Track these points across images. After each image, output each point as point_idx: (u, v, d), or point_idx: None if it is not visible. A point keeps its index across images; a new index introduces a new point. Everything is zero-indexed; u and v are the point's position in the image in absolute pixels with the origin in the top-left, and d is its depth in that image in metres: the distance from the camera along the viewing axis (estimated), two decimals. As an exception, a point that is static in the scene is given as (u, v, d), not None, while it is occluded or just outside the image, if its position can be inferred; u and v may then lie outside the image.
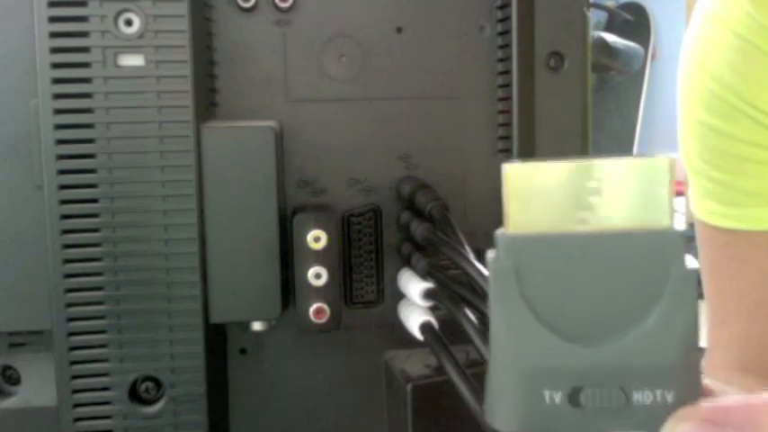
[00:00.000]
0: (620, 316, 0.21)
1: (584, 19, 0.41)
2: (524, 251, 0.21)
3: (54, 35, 0.34)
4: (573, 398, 0.21)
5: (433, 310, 0.37)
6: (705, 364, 0.46)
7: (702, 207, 0.44)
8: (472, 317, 0.32)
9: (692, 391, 0.21)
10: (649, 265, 0.20)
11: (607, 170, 0.21)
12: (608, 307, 0.21)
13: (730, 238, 0.43)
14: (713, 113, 0.42)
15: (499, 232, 0.21)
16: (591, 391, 0.21)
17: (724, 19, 0.42)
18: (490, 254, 0.21)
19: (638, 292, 0.21)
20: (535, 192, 0.21)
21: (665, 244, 0.20)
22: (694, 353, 0.21)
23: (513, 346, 0.21)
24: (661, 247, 0.20)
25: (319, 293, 0.37)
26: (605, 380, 0.21)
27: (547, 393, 0.21)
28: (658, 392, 0.20)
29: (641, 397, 0.20)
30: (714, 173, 0.43)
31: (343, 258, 0.40)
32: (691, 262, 0.21)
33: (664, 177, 0.20)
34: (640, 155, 0.21)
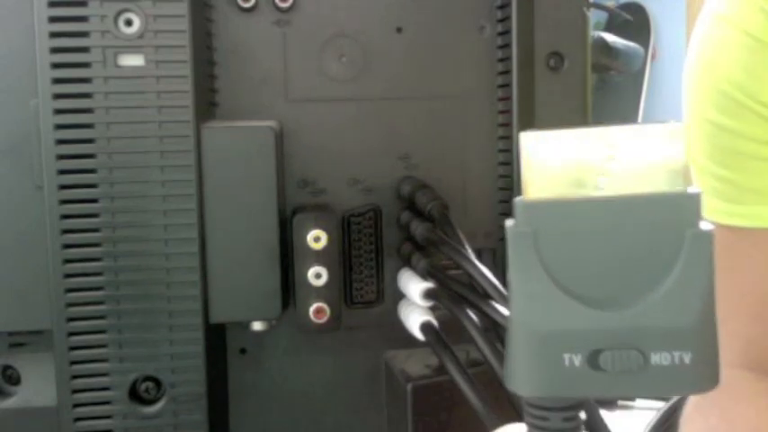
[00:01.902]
0: (638, 279, 0.21)
1: (584, 19, 0.41)
2: (542, 217, 0.21)
3: (54, 35, 0.34)
4: (592, 361, 0.21)
5: (433, 309, 0.37)
6: None
7: (707, 205, 0.44)
8: (473, 316, 0.32)
9: (709, 352, 0.21)
10: (665, 228, 0.21)
11: (622, 136, 0.21)
12: (625, 270, 0.21)
13: (734, 235, 0.44)
14: (723, 112, 0.42)
15: (518, 199, 0.22)
16: (610, 354, 0.21)
17: (735, 19, 0.42)
18: (509, 222, 0.22)
19: (655, 255, 0.21)
20: (552, 159, 0.21)
21: (680, 206, 0.21)
22: (711, 314, 0.21)
23: (531, 311, 0.21)
24: (676, 210, 0.21)
25: (319, 293, 0.37)
26: (624, 342, 0.21)
27: (566, 357, 0.21)
28: (676, 354, 0.21)
29: (659, 359, 0.21)
30: (721, 171, 0.43)
31: (343, 258, 0.40)
32: (706, 225, 0.21)
33: (677, 142, 0.21)
34: (653, 121, 0.21)
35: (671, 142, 0.21)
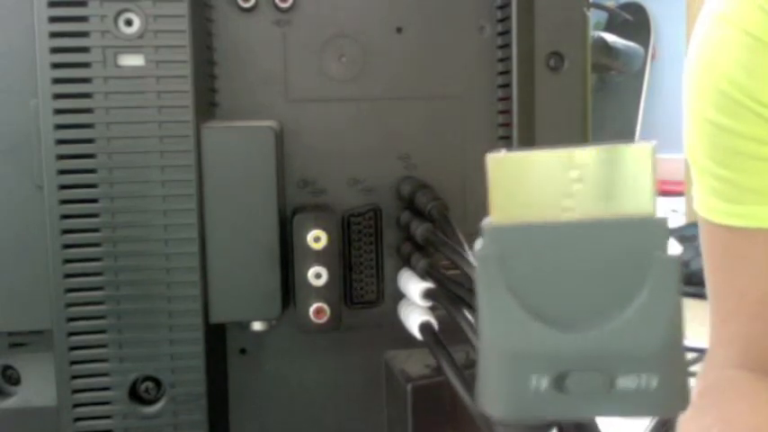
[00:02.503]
0: (605, 302, 0.21)
1: (584, 19, 0.41)
2: (509, 240, 0.21)
3: (54, 35, 0.34)
4: (558, 383, 0.21)
5: (432, 310, 0.37)
6: (707, 361, 0.46)
7: (707, 205, 0.44)
8: (471, 317, 0.32)
9: (676, 375, 0.21)
10: (633, 252, 0.21)
11: (589, 158, 0.21)
12: (592, 293, 0.21)
13: (734, 236, 0.43)
14: (722, 111, 0.42)
15: (485, 222, 0.22)
16: (576, 376, 0.21)
17: (735, 19, 0.42)
18: (477, 243, 0.22)
19: (622, 279, 0.21)
20: (519, 181, 0.21)
21: (648, 231, 0.21)
22: (678, 338, 0.21)
23: (498, 333, 0.21)
24: (644, 234, 0.21)
25: (319, 293, 0.37)
26: (590, 365, 0.21)
27: (533, 378, 0.21)
28: (643, 377, 0.21)
29: (625, 382, 0.21)
30: (720, 170, 0.43)
31: (343, 258, 0.40)
32: (674, 248, 0.21)
33: (645, 164, 0.21)
34: (622, 142, 0.21)
35: (639, 163, 0.21)
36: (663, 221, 0.21)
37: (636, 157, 0.21)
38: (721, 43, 0.42)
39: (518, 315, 0.21)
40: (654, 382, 0.21)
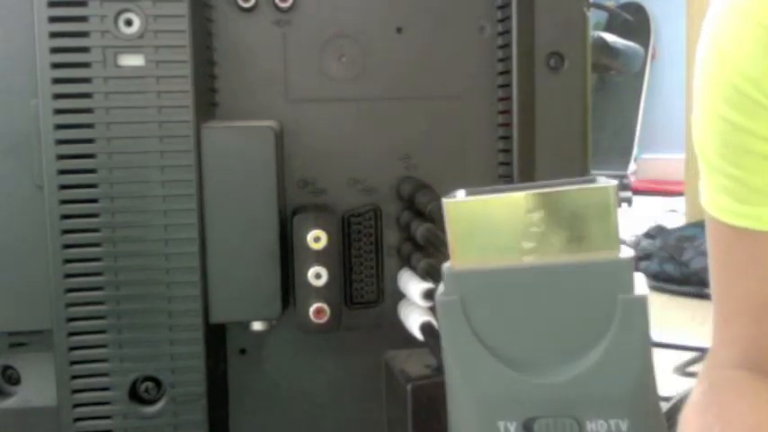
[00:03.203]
0: (572, 346, 0.20)
1: (584, 19, 0.41)
2: (470, 285, 0.21)
3: (54, 35, 0.34)
4: (527, 428, 0.21)
5: (432, 310, 0.37)
6: (708, 360, 0.46)
7: (715, 204, 0.44)
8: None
9: (647, 418, 0.21)
10: (598, 294, 0.20)
11: (549, 200, 0.20)
12: (559, 337, 0.21)
13: (741, 236, 0.43)
14: (736, 108, 0.42)
15: (445, 267, 0.21)
16: (545, 422, 0.20)
17: (750, 11, 0.41)
18: (439, 288, 0.21)
19: (588, 322, 0.20)
20: (477, 225, 0.21)
21: (612, 272, 0.20)
22: (649, 380, 0.20)
23: (465, 379, 0.21)
24: (608, 276, 0.20)
25: (319, 293, 0.37)
26: (558, 410, 0.20)
27: (501, 424, 0.21)
28: (612, 422, 0.20)
29: (595, 427, 0.20)
30: (731, 169, 0.43)
31: (343, 258, 0.40)
32: (640, 288, 0.20)
33: (607, 204, 0.20)
34: (584, 180, 0.21)
35: (600, 204, 0.20)
36: (627, 262, 0.20)
37: (596, 198, 0.20)
38: (736, 37, 0.42)
39: (484, 360, 0.21)
40: (624, 427, 0.20)
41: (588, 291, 0.20)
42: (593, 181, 0.20)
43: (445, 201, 0.21)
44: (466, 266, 0.21)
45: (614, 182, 0.20)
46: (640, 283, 0.21)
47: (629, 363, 0.20)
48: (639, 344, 0.20)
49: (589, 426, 0.20)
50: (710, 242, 0.46)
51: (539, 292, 0.21)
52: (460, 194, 0.21)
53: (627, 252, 0.20)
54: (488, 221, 0.21)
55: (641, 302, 0.20)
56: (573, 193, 0.20)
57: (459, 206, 0.21)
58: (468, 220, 0.21)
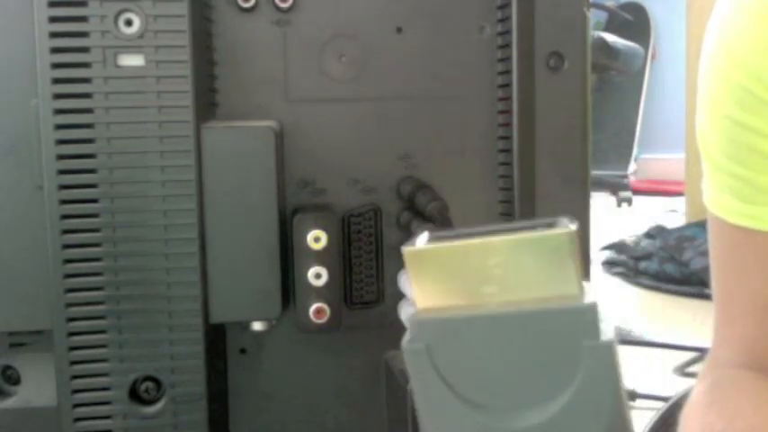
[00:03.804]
0: (539, 390, 0.20)
1: (584, 19, 0.41)
2: (435, 333, 0.21)
3: (54, 35, 0.34)
4: None
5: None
6: (709, 360, 0.46)
7: (719, 203, 0.44)
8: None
9: None
10: (562, 340, 0.20)
11: (506, 247, 0.20)
12: (526, 382, 0.21)
13: (745, 236, 0.43)
14: (743, 108, 0.41)
15: (410, 315, 0.21)
16: None
17: (757, 9, 0.41)
18: (406, 336, 0.21)
19: (555, 367, 0.20)
20: (438, 271, 0.21)
21: (575, 317, 0.20)
22: (621, 423, 0.20)
23: (435, 425, 0.21)
24: (572, 322, 0.20)
25: (319, 293, 0.37)
26: None
27: None
28: None
29: None
30: (736, 168, 0.42)
31: (343, 258, 0.40)
32: (606, 333, 0.20)
33: (566, 249, 0.20)
34: (547, 223, 0.20)
35: (560, 249, 0.20)
36: (591, 307, 0.20)
37: (555, 243, 0.20)
38: (743, 35, 0.41)
39: (452, 406, 0.21)
40: None
41: (552, 337, 0.20)
42: (555, 225, 0.20)
43: (405, 249, 0.21)
44: (430, 314, 0.21)
45: (574, 227, 0.20)
46: (607, 328, 0.20)
47: (599, 406, 0.20)
48: (609, 387, 0.20)
49: None
50: (713, 242, 0.46)
51: (503, 338, 0.21)
52: (422, 240, 0.21)
53: (591, 297, 0.20)
54: (449, 267, 0.21)
55: (607, 348, 0.20)
56: (531, 240, 0.20)
57: (419, 254, 0.21)
58: (429, 267, 0.21)
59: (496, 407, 0.21)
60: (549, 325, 0.20)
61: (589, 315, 0.20)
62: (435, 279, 0.21)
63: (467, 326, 0.21)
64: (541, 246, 0.20)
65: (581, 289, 0.20)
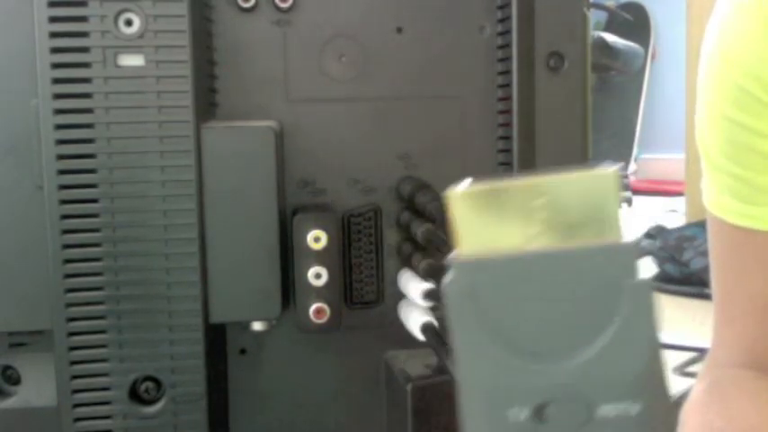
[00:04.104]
0: (579, 331, 0.21)
1: (584, 19, 0.41)
2: (478, 274, 0.21)
3: (54, 35, 0.34)
4: (537, 414, 0.21)
5: (433, 310, 0.37)
6: (708, 360, 0.46)
7: (718, 204, 0.44)
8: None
9: (657, 401, 0.21)
10: (603, 279, 0.20)
11: (552, 187, 0.20)
12: (566, 323, 0.21)
13: (745, 237, 0.43)
14: (741, 108, 0.42)
15: (452, 256, 0.21)
16: (555, 408, 0.21)
17: (755, 10, 0.41)
18: (446, 278, 0.22)
19: (595, 307, 0.20)
20: (483, 214, 0.21)
21: (616, 257, 0.20)
22: (658, 363, 0.21)
23: (474, 369, 0.21)
24: (612, 261, 0.20)
25: (319, 293, 0.37)
26: (568, 395, 0.21)
27: (511, 412, 0.21)
28: (622, 405, 0.20)
29: (605, 410, 0.20)
30: (735, 168, 0.42)
31: (343, 258, 0.40)
32: (645, 272, 0.20)
33: (609, 189, 0.20)
34: (586, 167, 0.21)
35: (603, 189, 0.20)
36: (631, 246, 0.20)
37: (599, 183, 0.20)
38: (742, 37, 0.41)
39: (492, 348, 0.21)
40: (635, 410, 0.20)
41: (593, 276, 0.20)
42: (595, 168, 0.21)
43: (450, 192, 0.21)
44: (472, 256, 0.21)
45: (616, 168, 0.20)
46: (645, 268, 0.21)
47: (638, 346, 0.20)
48: (647, 327, 0.20)
49: (599, 410, 0.21)
50: (713, 242, 0.46)
51: (545, 279, 0.21)
52: (465, 185, 0.21)
53: (630, 237, 0.21)
54: (493, 210, 0.21)
55: (646, 286, 0.20)
56: (575, 181, 0.20)
57: (464, 197, 0.21)
58: (473, 210, 0.21)
59: (536, 348, 0.21)
60: (589, 264, 0.20)
61: (630, 254, 0.20)
62: (479, 222, 0.21)
63: (509, 266, 0.21)
64: (587, 185, 0.20)
65: (620, 230, 0.20)
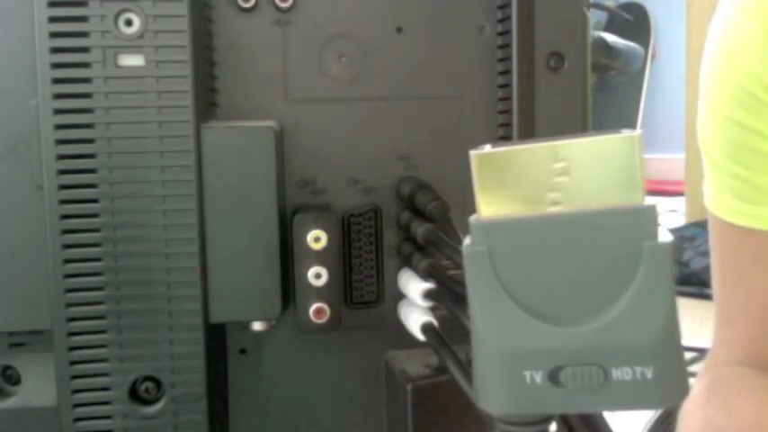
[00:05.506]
0: (597, 294, 0.21)
1: (584, 19, 0.41)
2: (497, 236, 0.21)
3: (54, 35, 0.34)
4: (553, 377, 0.21)
5: (433, 310, 0.37)
6: (708, 360, 0.46)
7: (720, 203, 0.44)
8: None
9: (672, 365, 0.21)
10: (623, 243, 0.20)
11: (574, 150, 0.20)
12: (584, 286, 0.21)
13: (746, 236, 0.43)
14: (744, 109, 0.42)
15: (472, 218, 0.21)
16: (571, 370, 0.21)
17: (756, 12, 0.41)
18: (466, 240, 0.21)
19: (614, 270, 0.21)
20: (504, 176, 0.21)
21: (637, 220, 0.20)
22: (673, 327, 0.21)
23: (491, 330, 0.21)
24: (634, 224, 0.20)
25: (319, 293, 0.37)
26: (584, 358, 0.21)
27: (527, 374, 0.21)
28: (638, 369, 0.20)
29: (621, 374, 0.21)
30: (737, 168, 0.43)
31: (343, 258, 0.40)
32: (664, 236, 0.21)
33: (632, 153, 0.20)
34: (608, 131, 0.21)
35: (625, 153, 0.20)
36: (651, 209, 0.20)
37: (622, 147, 0.20)
38: (744, 39, 0.42)
39: (510, 311, 0.21)
40: (649, 374, 0.20)
41: (613, 239, 0.20)
42: (618, 132, 0.21)
43: (473, 152, 0.21)
44: (492, 217, 0.21)
45: (639, 132, 0.20)
46: (664, 231, 0.21)
47: (655, 310, 0.20)
48: (665, 291, 0.20)
49: (614, 373, 0.21)
50: (714, 242, 0.46)
51: (564, 242, 0.21)
52: (487, 147, 0.21)
53: (650, 201, 0.21)
54: (514, 172, 0.21)
55: (666, 249, 0.20)
56: (598, 143, 0.20)
57: (487, 157, 0.21)
58: (495, 172, 0.21)
59: (554, 311, 0.21)
60: (610, 226, 0.20)
61: (650, 216, 0.20)
62: (500, 184, 0.21)
63: (529, 228, 0.21)
64: (609, 148, 0.20)
65: (642, 194, 0.20)
